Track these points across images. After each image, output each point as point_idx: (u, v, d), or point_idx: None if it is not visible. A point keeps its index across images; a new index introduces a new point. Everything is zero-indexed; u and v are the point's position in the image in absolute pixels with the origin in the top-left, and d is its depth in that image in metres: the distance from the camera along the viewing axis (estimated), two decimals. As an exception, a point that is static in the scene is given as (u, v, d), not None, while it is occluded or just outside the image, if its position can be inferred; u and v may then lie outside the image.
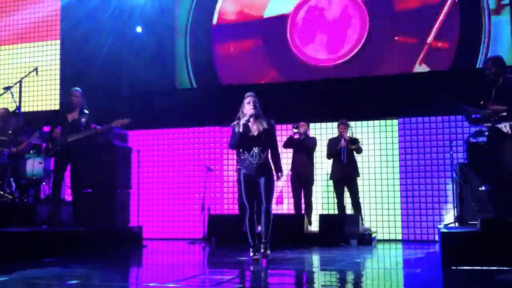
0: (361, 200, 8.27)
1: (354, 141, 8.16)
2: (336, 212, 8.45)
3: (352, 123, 8.55)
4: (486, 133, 6.54)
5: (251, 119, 5.57)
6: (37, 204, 7.63)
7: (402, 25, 9.18)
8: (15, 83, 8.66)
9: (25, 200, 7.92)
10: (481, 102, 6.08)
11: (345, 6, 9.43)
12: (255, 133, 5.58)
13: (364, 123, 9.06)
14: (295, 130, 8.31)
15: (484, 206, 6.96)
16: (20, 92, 8.68)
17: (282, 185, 9.16)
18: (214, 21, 10.06)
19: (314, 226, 8.30)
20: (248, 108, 5.59)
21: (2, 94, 8.67)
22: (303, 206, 8.43)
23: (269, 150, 5.68)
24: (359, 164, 8.41)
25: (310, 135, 8.72)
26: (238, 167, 5.69)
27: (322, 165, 9.03)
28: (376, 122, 9.05)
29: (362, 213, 8.24)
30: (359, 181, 8.37)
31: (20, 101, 8.60)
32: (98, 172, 7.48)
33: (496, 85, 5.74)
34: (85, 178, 7.47)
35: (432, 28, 8.98)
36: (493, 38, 8.72)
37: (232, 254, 6.63)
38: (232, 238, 7.73)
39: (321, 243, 7.60)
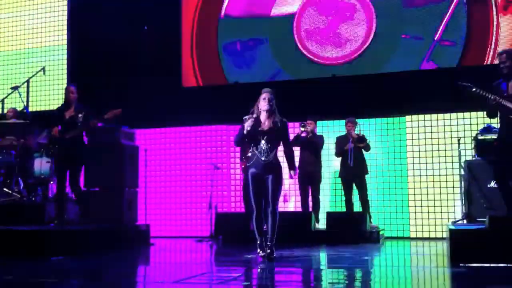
0: (369, 197, 8.25)
1: (361, 140, 8.14)
2: (344, 210, 8.43)
3: (359, 121, 8.52)
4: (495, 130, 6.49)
5: (265, 114, 5.53)
6: (45, 203, 7.66)
7: (409, 23, 9.13)
8: (23, 83, 8.70)
9: (33, 199, 7.97)
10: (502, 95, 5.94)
11: (352, 3, 9.40)
12: (266, 129, 5.53)
13: (372, 120, 9.03)
14: (302, 129, 8.29)
15: (492, 203, 6.93)
16: (28, 92, 8.72)
17: (290, 183, 9.14)
18: (221, 19, 10.05)
19: (322, 224, 8.29)
20: (263, 104, 5.53)
21: (10, 94, 8.72)
22: (310, 204, 8.41)
23: (283, 147, 5.63)
24: (367, 162, 8.38)
25: (318, 133, 8.69)
26: (246, 165, 5.64)
27: (330, 163, 9.01)
28: (384, 119, 9.02)
29: (370, 211, 8.21)
30: (367, 178, 8.34)
31: (27, 101, 8.64)
32: (105, 171, 7.49)
33: None
34: (91, 176, 7.49)
35: (440, 25, 8.93)
36: (501, 35, 8.66)
37: (239, 252, 6.62)
38: (239, 236, 7.73)
39: (328, 241, 7.58)
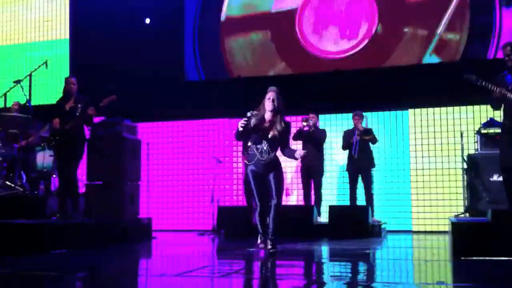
0: (372, 191, 8.24)
1: (367, 132, 8.13)
2: (346, 203, 8.42)
3: (363, 114, 8.50)
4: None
5: (270, 114, 5.49)
6: (47, 197, 7.67)
7: (412, 16, 9.10)
8: (25, 77, 8.69)
9: (35, 192, 7.98)
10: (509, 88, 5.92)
11: (355, -4, 9.37)
12: (269, 129, 5.49)
13: (375, 114, 9.02)
14: (305, 123, 8.28)
15: (495, 197, 6.93)
16: (30, 85, 8.71)
17: (292, 176, 9.15)
18: (223, 13, 10.03)
19: (324, 218, 8.29)
20: (267, 104, 5.49)
21: (12, 88, 8.72)
22: (312, 197, 8.41)
23: (281, 149, 5.60)
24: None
25: (320, 127, 8.68)
26: (246, 162, 5.63)
27: (332, 157, 9.01)
28: (387, 113, 9.00)
29: (374, 205, 8.21)
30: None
31: (30, 95, 8.63)
32: (107, 164, 7.49)
33: None
34: (93, 170, 7.49)
35: (443, 19, 8.90)
36: (504, 28, 8.63)
37: (241, 245, 6.63)
38: (241, 230, 7.73)
39: (330, 234, 7.58)
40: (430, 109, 8.82)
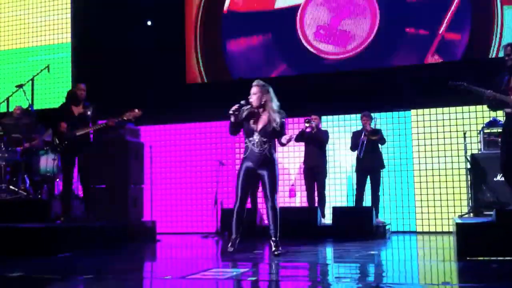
0: (379, 193, 8.23)
1: (374, 132, 8.12)
2: (350, 204, 8.42)
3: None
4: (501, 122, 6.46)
5: (257, 108, 5.51)
6: (51, 200, 7.68)
7: (413, 16, 9.10)
8: (27, 81, 8.72)
9: (39, 196, 7.99)
10: (501, 88, 5.94)
11: (356, -3, 9.37)
12: (259, 121, 5.50)
13: (377, 115, 8.99)
14: (307, 124, 8.27)
15: (499, 196, 6.92)
16: (33, 90, 8.74)
17: (296, 178, 9.15)
18: (224, 14, 10.04)
19: (328, 219, 8.28)
20: (252, 100, 5.52)
21: (15, 92, 8.74)
22: (316, 199, 8.41)
23: (277, 141, 5.60)
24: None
25: (322, 128, 8.68)
26: (243, 156, 5.63)
27: (335, 158, 9.00)
28: (389, 114, 9.00)
29: (379, 206, 8.21)
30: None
31: (32, 99, 8.66)
32: (111, 168, 7.50)
33: None
34: (97, 173, 7.50)
35: (444, 19, 8.90)
36: (505, 28, 8.62)
37: (245, 247, 6.62)
38: (245, 232, 7.69)
39: (334, 236, 7.57)
40: (433, 109, 8.81)
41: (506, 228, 5.03)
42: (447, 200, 8.53)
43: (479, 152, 7.55)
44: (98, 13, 10.30)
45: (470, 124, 8.52)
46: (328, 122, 9.18)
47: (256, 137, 5.46)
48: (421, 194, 8.68)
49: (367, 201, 8.23)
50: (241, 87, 9.50)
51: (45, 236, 5.97)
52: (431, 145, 8.74)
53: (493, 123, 7.51)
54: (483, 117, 8.36)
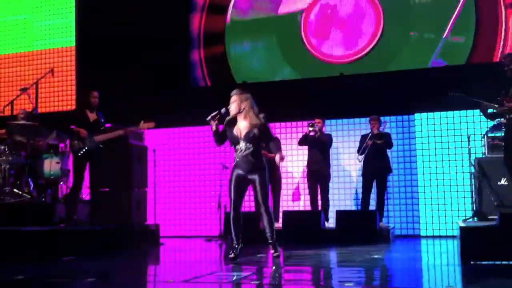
0: (385, 197, 8.21)
1: (379, 136, 8.10)
2: (354, 208, 8.40)
3: (368, 120, 8.49)
4: (504, 128, 6.46)
5: (240, 115, 5.54)
6: (55, 204, 7.68)
7: (417, 20, 9.09)
8: (32, 85, 8.74)
9: (43, 199, 8.00)
10: (498, 98, 6.01)
11: (359, 1, 9.37)
12: (242, 128, 5.54)
13: (381, 119, 8.98)
14: (311, 128, 8.27)
15: (503, 200, 6.89)
16: (37, 93, 8.76)
17: (299, 181, 9.14)
18: (228, 18, 10.05)
19: (331, 223, 8.27)
20: (232, 109, 5.62)
21: (19, 96, 8.77)
22: (319, 202, 8.40)
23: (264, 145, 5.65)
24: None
25: (326, 132, 8.67)
26: (233, 164, 5.68)
27: (339, 162, 8.99)
28: (393, 117, 8.97)
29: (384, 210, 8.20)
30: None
31: (36, 102, 8.68)
32: (114, 171, 7.50)
33: None
34: (102, 177, 7.52)
35: (448, 23, 8.89)
36: (510, 32, 8.61)
37: (248, 251, 6.61)
38: (248, 235, 7.67)
39: (338, 239, 7.55)
40: (437, 113, 8.79)
41: (510, 232, 5.01)
42: (451, 204, 8.50)
43: (483, 156, 7.53)
44: (102, 17, 10.31)
45: (474, 128, 8.50)
46: (332, 126, 9.16)
47: (242, 144, 5.52)
48: (425, 198, 8.65)
49: (372, 205, 8.21)
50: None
51: (48, 240, 5.98)
52: (435, 148, 8.71)
53: (497, 127, 7.48)
54: (487, 121, 8.32)
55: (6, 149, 7.89)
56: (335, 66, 9.41)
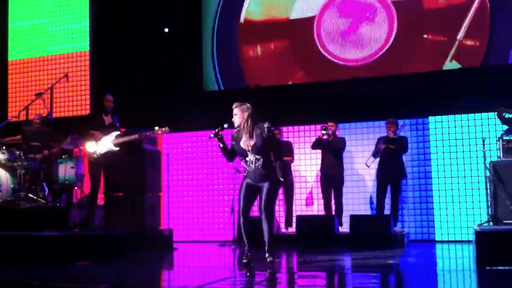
0: (399, 201, 8.15)
1: (391, 141, 8.04)
2: (368, 212, 8.35)
3: (382, 123, 8.44)
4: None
5: (243, 129, 5.53)
6: (69, 209, 7.73)
7: (431, 23, 9.03)
8: (46, 90, 8.80)
9: (58, 204, 8.04)
10: None
11: (373, 4, 9.33)
12: (248, 141, 5.52)
13: (400, 121, 8.93)
14: (324, 132, 8.24)
15: (519, 205, 6.80)
16: (52, 98, 8.82)
17: (312, 186, 9.11)
18: (241, 22, 10.05)
19: (345, 227, 8.22)
20: (235, 121, 5.59)
21: (34, 101, 8.83)
22: (333, 207, 8.36)
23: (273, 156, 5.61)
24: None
25: (339, 136, 8.64)
26: (244, 174, 5.68)
27: (352, 166, 8.94)
28: (407, 120, 8.92)
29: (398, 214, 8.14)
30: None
31: (51, 107, 8.74)
32: (128, 176, 7.53)
33: None
34: (116, 182, 7.54)
35: (462, 25, 8.82)
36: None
37: (262, 256, 6.60)
38: (262, 240, 7.69)
39: (352, 244, 7.51)
40: (452, 116, 8.72)
41: (527, 237, 4.96)
42: (466, 208, 8.42)
43: (499, 159, 7.45)
44: (116, 22, 10.37)
45: (489, 131, 8.41)
46: (345, 129, 9.12)
47: (250, 157, 5.49)
48: (439, 202, 8.58)
49: (387, 210, 8.15)
50: (258, 94, 9.58)
51: (63, 244, 6.01)
52: (450, 152, 8.64)
53: (512, 130, 7.40)
54: (502, 124, 8.25)
55: (21, 155, 7.95)
56: (348, 69, 9.38)
